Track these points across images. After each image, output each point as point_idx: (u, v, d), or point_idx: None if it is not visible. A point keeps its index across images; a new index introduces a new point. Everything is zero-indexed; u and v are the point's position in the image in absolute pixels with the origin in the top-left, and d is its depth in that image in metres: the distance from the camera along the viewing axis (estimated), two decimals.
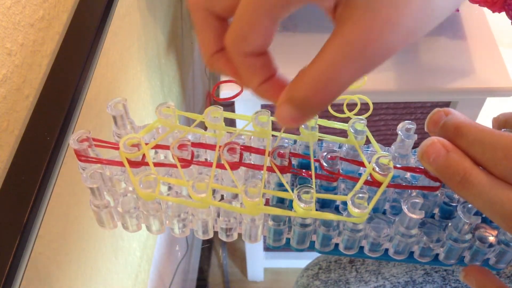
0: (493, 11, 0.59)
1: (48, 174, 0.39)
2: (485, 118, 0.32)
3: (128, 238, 0.71)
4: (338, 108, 0.39)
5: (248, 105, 0.73)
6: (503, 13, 0.58)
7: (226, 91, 0.68)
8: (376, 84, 0.68)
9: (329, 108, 0.37)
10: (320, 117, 0.34)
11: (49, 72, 0.44)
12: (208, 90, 1.40)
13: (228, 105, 0.87)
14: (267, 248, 1.24)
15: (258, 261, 1.29)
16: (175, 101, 1.00)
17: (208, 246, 1.38)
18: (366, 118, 0.36)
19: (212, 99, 1.39)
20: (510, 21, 0.57)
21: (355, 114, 0.36)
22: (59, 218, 0.47)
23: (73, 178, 0.37)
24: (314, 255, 0.72)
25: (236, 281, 1.36)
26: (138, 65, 0.72)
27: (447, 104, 0.75)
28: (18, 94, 0.40)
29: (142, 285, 0.80)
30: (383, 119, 0.80)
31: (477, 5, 0.59)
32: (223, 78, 0.73)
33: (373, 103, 0.83)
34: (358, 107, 0.37)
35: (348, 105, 0.37)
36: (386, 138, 0.83)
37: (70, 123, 0.42)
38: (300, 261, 1.19)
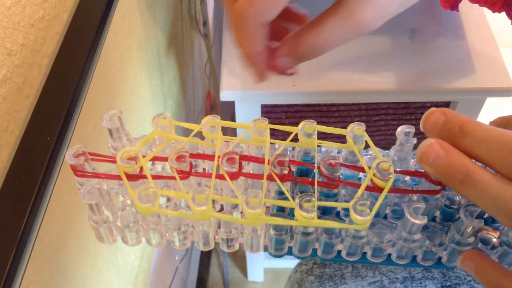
0: (493, 11, 0.59)
1: (48, 174, 0.39)
2: (485, 118, 0.32)
3: None
4: None
5: (248, 105, 0.73)
6: (503, 13, 0.58)
7: (226, 91, 0.68)
8: (376, 84, 0.68)
9: None
10: (319, 123, 0.35)
11: (49, 72, 0.44)
12: (208, 90, 1.40)
13: (229, 104, 0.87)
14: (267, 249, 1.24)
15: (258, 261, 1.29)
16: (175, 101, 1.00)
17: None
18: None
19: (212, 99, 1.39)
20: (510, 21, 0.57)
21: None
22: (59, 218, 0.47)
23: (73, 178, 0.37)
24: None
25: (236, 281, 1.36)
26: (138, 65, 0.72)
27: (447, 104, 0.75)
28: (18, 94, 0.40)
29: (142, 285, 0.80)
30: (383, 119, 0.80)
31: (477, 5, 0.59)
32: (222, 78, 0.73)
33: (373, 103, 0.83)
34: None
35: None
36: (386, 139, 0.82)
37: (70, 123, 0.42)
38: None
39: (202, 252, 1.34)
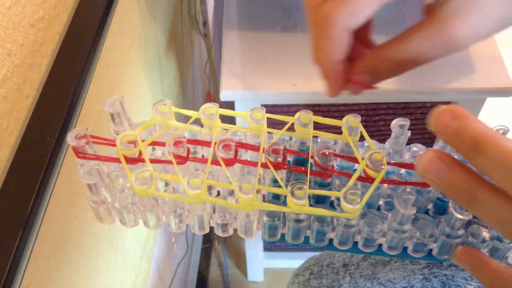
0: None
1: (48, 174, 0.39)
2: (485, 118, 0.32)
3: (128, 239, 0.71)
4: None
5: (248, 105, 0.73)
6: None
7: (226, 91, 0.68)
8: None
9: None
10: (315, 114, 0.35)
11: (49, 72, 0.44)
12: (208, 90, 1.40)
13: (229, 104, 0.87)
14: (267, 248, 1.24)
15: (258, 261, 1.29)
16: (175, 101, 1.00)
17: (208, 246, 1.38)
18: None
19: (212, 99, 1.39)
20: None
21: None
22: (59, 218, 0.47)
23: (73, 178, 0.37)
24: (314, 254, 0.72)
25: (236, 281, 1.36)
26: (138, 65, 0.72)
27: (447, 104, 0.75)
28: (18, 94, 0.40)
29: (142, 286, 0.80)
30: (383, 119, 0.80)
31: None
32: (222, 78, 0.73)
33: (373, 103, 0.83)
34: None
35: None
36: (386, 138, 0.82)
37: (70, 123, 0.42)
38: (300, 262, 1.18)
39: (202, 252, 1.34)
